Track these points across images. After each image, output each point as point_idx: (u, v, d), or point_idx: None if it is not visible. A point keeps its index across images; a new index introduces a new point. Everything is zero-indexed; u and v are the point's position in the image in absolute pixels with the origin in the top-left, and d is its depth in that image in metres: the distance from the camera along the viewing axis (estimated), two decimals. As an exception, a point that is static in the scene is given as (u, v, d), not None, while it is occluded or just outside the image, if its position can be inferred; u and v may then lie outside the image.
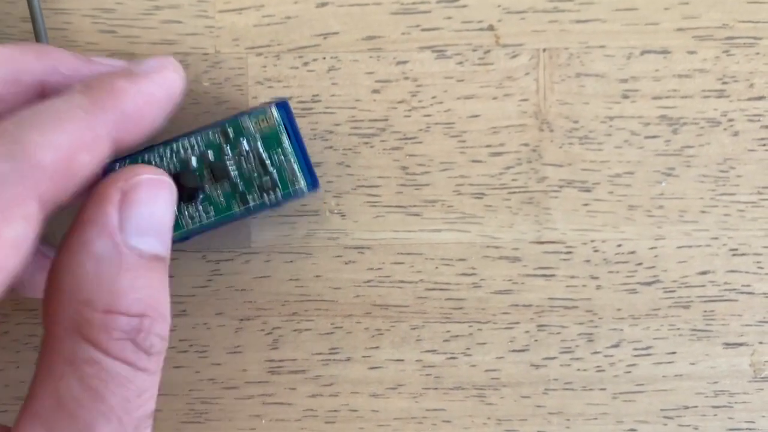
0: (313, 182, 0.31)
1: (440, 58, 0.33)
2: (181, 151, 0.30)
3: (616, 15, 0.33)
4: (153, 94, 0.26)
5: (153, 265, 0.25)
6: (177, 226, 0.31)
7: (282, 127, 0.30)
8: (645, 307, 0.33)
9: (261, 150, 0.30)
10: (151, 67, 0.26)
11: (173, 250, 0.33)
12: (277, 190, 0.31)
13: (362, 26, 0.33)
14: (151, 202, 0.26)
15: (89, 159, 0.24)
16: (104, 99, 0.24)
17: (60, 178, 0.23)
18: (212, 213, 0.31)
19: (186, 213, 0.31)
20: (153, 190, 0.26)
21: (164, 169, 0.30)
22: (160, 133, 0.31)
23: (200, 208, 0.31)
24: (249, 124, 0.30)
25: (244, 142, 0.30)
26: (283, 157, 0.31)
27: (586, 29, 0.33)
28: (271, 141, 0.30)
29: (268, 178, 0.30)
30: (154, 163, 0.30)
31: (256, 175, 0.31)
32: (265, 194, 0.31)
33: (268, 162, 0.30)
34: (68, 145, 0.23)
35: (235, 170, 0.30)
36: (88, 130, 0.23)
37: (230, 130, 0.30)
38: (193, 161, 0.30)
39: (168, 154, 0.30)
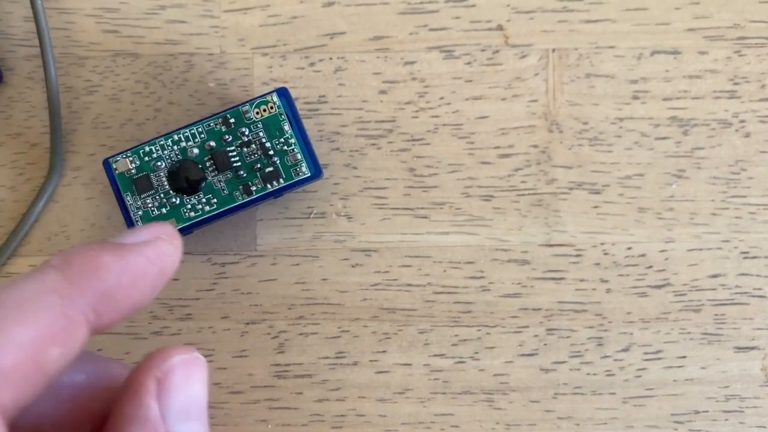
0: (316, 170, 0.30)
1: (448, 59, 0.33)
2: (183, 141, 0.30)
3: (626, 15, 0.33)
4: (141, 271, 0.22)
5: None
6: (179, 218, 0.30)
7: (283, 114, 0.30)
8: (655, 311, 0.33)
9: (263, 137, 0.30)
10: (141, 237, 0.23)
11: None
12: (280, 178, 0.30)
13: (369, 26, 0.33)
14: (188, 384, 0.22)
15: (61, 353, 0.20)
16: (83, 278, 0.21)
17: (26, 381, 0.19)
18: (215, 203, 0.30)
19: (188, 205, 0.30)
20: (187, 371, 0.23)
21: (166, 160, 0.30)
22: (161, 130, 0.31)
23: (203, 198, 0.30)
24: (250, 111, 0.30)
25: (246, 131, 0.30)
26: (285, 144, 0.30)
27: (595, 29, 0.33)
28: (273, 128, 0.30)
29: (270, 166, 0.30)
30: (155, 154, 0.30)
31: (258, 163, 0.30)
32: (268, 183, 0.30)
33: (270, 150, 0.30)
34: (35, 341, 0.19)
35: (237, 159, 0.30)
36: (62, 318, 0.20)
37: (232, 119, 0.30)
38: (195, 151, 0.30)
39: (170, 145, 0.30)
